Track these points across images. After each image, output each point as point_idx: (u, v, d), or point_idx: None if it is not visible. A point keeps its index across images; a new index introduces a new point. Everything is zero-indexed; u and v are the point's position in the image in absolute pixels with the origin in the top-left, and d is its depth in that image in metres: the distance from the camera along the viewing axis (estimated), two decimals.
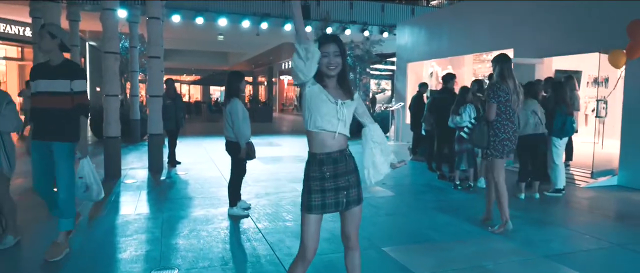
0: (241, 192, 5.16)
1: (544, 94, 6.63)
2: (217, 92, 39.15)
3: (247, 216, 4.99)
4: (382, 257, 3.82)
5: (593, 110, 9.30)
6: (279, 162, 9.13)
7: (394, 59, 14.40)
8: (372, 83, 20.41)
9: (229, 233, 4.44)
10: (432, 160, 7.85)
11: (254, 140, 5.06)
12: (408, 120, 10.35)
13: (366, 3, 18.24)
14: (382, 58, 16.91)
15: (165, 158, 8.16)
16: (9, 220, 3.90)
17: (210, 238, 4.22)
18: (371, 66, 16.75)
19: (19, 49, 17.66)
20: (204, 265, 3.58)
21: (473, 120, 5.48)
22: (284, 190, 6.38)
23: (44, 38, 3.57)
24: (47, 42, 3.57)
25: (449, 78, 7.37)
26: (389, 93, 20.10)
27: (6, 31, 16.21)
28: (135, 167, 8.03)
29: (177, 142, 8.39)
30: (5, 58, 17.60)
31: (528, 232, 4.59)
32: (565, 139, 6.23)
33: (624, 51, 6.47)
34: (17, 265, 3.63)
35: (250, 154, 4.92)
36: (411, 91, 11.79)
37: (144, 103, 14.49)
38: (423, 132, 7.97)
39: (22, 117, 6.95)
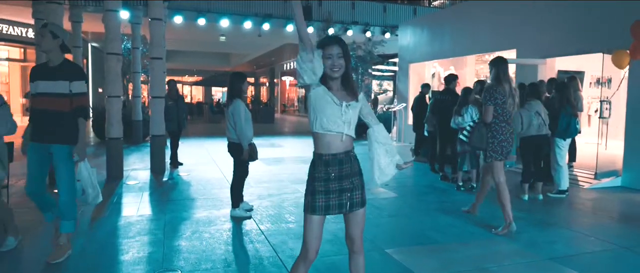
0: (243, 193, 5.15)
1: (548, 95, 6.61)
2: (219, 93, 39.23)
3: (249, 217, 4.98)
4: (385, 259, 3.80)
5: (596, 111, 9.26)
6: (281, 163, 9.12)
7: (396, 60, 14.38)
8: (374, 84, 20.39)
9: (231, 235, 4.42)
10: (435, 161, 7.83)
11: (256, 141, 5.05)
12: (410, 121, 10.34)
13: (368, 4, 18.22)
14: (384, 59, 16.89)
15: (168, 160, 8.16)
16: (7, 223, 3.86)
17: (213, 240, 4.21)
18: (373, 67, 16.74)
19: (22, 50, 17.68)
20: (207, 267, 3.57)
21: (475, 121, 5.46)
22: (287, 191, 6.37)
23: (45, 37, 3.51)
24: (48, 42, 3.51)
25: (451, 79, 7.35)
26: (390, 94, 20.07)
27: (9, 32, 16.25)
28: (137, 168, 8.02)
29: (179, 143, 8.39)
30: (8, 59, 17.63)
31: (532, 233, 4.57)
32: (569, 140, 6.21)
33: (628, 51, 6.44)
34: (19, 267, 3.62)
35: (253, 155, 4.91)
36: (413, 92, 11.76)
37: (146, 104, 14.51)
38: (425, 133, 7.95)
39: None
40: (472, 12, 10.76)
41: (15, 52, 17.72)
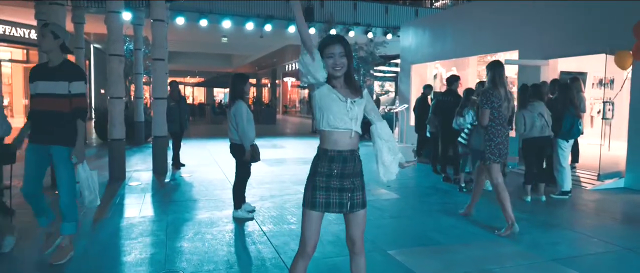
0: (246, 194, 5.15)
1: (550, 96, 6.59)
2: (220, 94, 39.27)
3: (251, 219, 4.98)
4: (387, 260, 3.80)
5: (599, 112, 9.24)
6: (283, 164, 9.12)
7: (398, 61, 14.38)
8: (376, 85, 20.38)
9: (233, 236, 4.42)
10: (437, 162, 7.83)
11: (258, 143, 5.05)
12: (412, 122, 10.32)
13: (370, 5, 18.23)
14: (386, 60, 16.88)
15: (170, 161, 8.17)
16: (2, 224, 3.84)
17: (215, 241, 4.21)
18: (375, 68, 16.73)
19: (25, 51, 17.73)
20: (209, 268, 3.57)
21: (473, 123, 5.46)
22: (289, 192, 6.37)
23: (46, 37, 3.48)
24: (48, 42, 3.48)
25: (453, 80, 7.35)
26: (392, 95, 20.07)
27: (12, 34, 16.30)
28: (139, 170, 8.03)
29: (182, 144, 8.40)
30: (11, 60, 17.69)
31: (534, 235, 4.56)
32: (572, 141, 6.19)
33: (630, 52, 6.42)
34: (21, 268, 3.63)
35: (255, 156, 4.91)
36: (415, 93, 11.75)
37: (148, 105, 14.53)
38: (428, 134, 7.94)
39: None
40: (474, 13, 10.76)
41: (18, 53, 17.78)
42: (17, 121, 3.54)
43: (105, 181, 6.86)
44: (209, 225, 4.75)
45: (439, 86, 11.95)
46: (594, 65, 9.34)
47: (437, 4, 24.27)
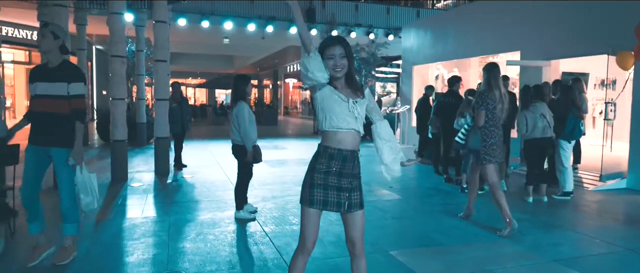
0: (248, 195, 5.16)
1: (553, 97, 6.58)
2: (222, 95, 39.30)
3: (253, 219, 4.99)
4: (389, 261, 3.80)
5: (601, 113, 9.23)
6: (285, 165, 9.12)
7: (400, 62, 14.39)
8: (378, 86, 20.38)
9: (235, 237, 4.43)
10: (439, 163, 7.82)
11: (260, 143, 5.06)
12: (414, 123, 10.32)
13: (372, 6, 18.26)
14: (388, 61, 16.89)
15: (172, 162, 8.18)
16: None
17: (217, 242, 4.22)
18: (377, 69, 16.74)
19: (27, 53, 17.78)
20: (212, 268, 3.58)
21: (470, 124, 5.47)
22: (291, 193, 6.37)
23: (46, 38, 3.45)
24: (48, 42, 3.45)
25: (454, 81, 7.35)
26: (394, 96, 20.08)
27: (14, 35, 16.35)
28: (141, 170, 8.05)
29: (183, 145, 8.42)
30: (13, 62, 17.73)
31: (536, 235, 4.55)
32: (573, 142, 6.19)
33: (632, 52, 6.42)
34: (23, 268, 3.63)
35: (257, 157, 4.92)
36: (417, 94, 11.75)
37: (150, 106, 14.55)
38: (429, 135, 7.94)
39: None
40: (475, 14, 10.76)
41: (20, 54, 17.82)
42: (4, 122, 3.57)
43: (107, 182, 6.88)
44: (211, 225, 4.76)
45: (441, 87, 11.95)
46: (596, 66, 9.34)
47: (439, 5, 24.28)
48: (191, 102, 34.45)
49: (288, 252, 3.98)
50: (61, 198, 3.57)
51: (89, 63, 19.31)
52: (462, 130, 5.98)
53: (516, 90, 8.37)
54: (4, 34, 15.85)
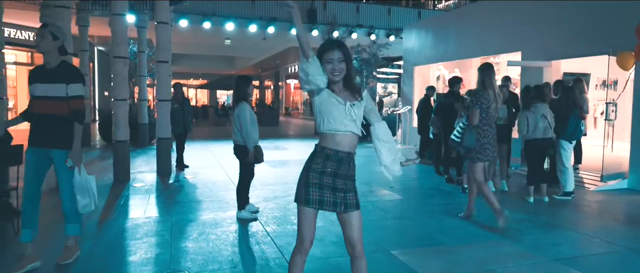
0: (249, 195, 5.18)
1: (554, 97, 6.59)
2: (224, 96, 39.36)
3: (255, 219, 5.01)
4: (391, 260, 3.82)
5: (602, 113, 9.24)
6: (286, 165, 9.15)
7: (401, 63, 14.41)
8: (379, 86, 20.40)
9: (237, 237, 4.45)
10: (440, 163, 7.84)
11: (261, 144, 5.08)
12: (415, 124, 10.34)
13: (373, 7, 18.29)
14: (389, 61, 16.92)
15: (174, 162, 8.21)
16: None
17: (219, 242, 4.24)
18: (378, 70, 16.77)
19: (29, 54, 17.85)
20: (214, 268, 3.60)
21: (465, 123, 5.50)
22: (292, 193, 6.34)
23: (45, 38, 3.43)
24: (47, 43, 3.43)
25: (455, 81, 7.36)
26: (395, 96, 20.10)
27: (16, 36, 16.41)
28: (143, 171, 8.08)
29: (185, 145, 8.44)
30: (16, 63, 17.79)
31: (537, 235, 4.57)
32: (574, 142, 6.20)
33: (633, 53, 6.43)
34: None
35: (258, 158, 4.94)
36: (418, 94, 11.78)
37: (152, 107, 14.60)
38: (430, 136, 7.96)
39: None
40: (476, 14, 10.77)
41: (23, 56, 17.89)
42: (21, 124, 3.54)
43: (109, 182, 6.91)
44: (213, 225, 4.78)
45: (442, 88, 11.96)
46: (597, 67, 9.35)
47: (440, 6, 24.31)
48: (193, 103, 34.52)
49: (289, 251, 3.98)
50: (63, 199, 3.58)
51: (91, 64, 19.39)
52: (458, 129, 6.00)
53: (517, 91, 8.38)
54: (6, 35, 15.90)
